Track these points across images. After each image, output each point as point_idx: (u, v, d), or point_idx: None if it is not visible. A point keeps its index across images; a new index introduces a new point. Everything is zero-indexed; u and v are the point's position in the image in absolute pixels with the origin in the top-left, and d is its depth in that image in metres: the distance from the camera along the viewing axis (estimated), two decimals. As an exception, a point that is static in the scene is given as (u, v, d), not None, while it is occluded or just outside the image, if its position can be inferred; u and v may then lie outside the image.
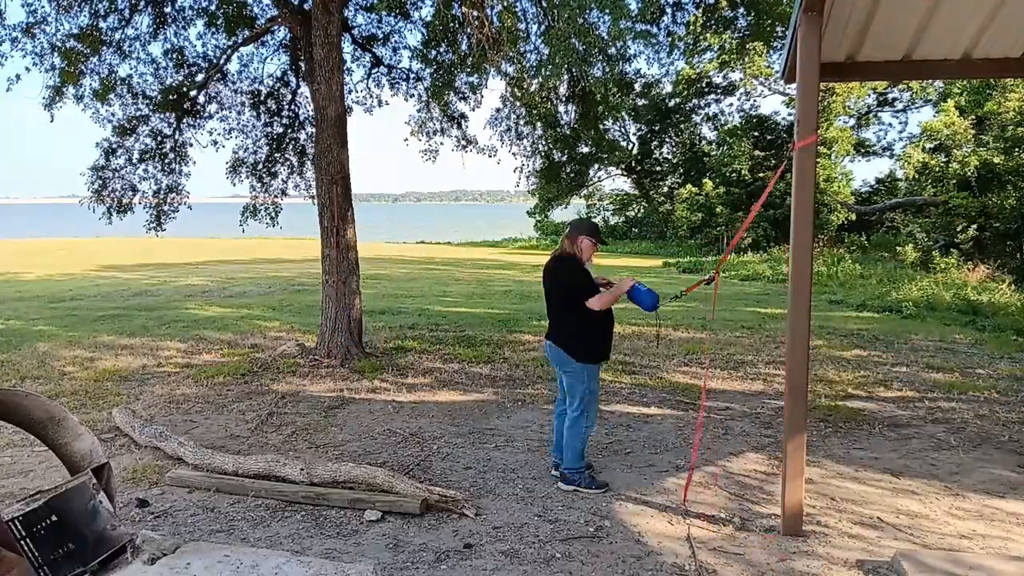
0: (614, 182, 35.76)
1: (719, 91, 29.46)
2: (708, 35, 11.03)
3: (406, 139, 9.97)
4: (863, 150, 26.80)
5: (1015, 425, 5.50)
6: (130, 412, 5.40)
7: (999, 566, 3.16)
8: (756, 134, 27.37)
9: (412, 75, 9.43)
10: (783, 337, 8.16)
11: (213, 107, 9.42)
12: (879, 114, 26.79)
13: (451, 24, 7.70)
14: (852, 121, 26.25)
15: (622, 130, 31.92)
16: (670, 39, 9.59)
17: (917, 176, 22.07)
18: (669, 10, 9.00)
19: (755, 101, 29.28)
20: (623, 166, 32.87)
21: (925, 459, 4.76)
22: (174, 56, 8.81)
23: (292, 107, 9.55)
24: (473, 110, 9.67)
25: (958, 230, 19.86)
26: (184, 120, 9.06)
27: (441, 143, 9.99)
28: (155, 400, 6.12)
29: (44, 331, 9.17)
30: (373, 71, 9.46)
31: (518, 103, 9.73)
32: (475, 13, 7.16)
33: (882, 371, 7.32)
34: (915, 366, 7.54)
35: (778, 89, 26.84)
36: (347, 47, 8.78)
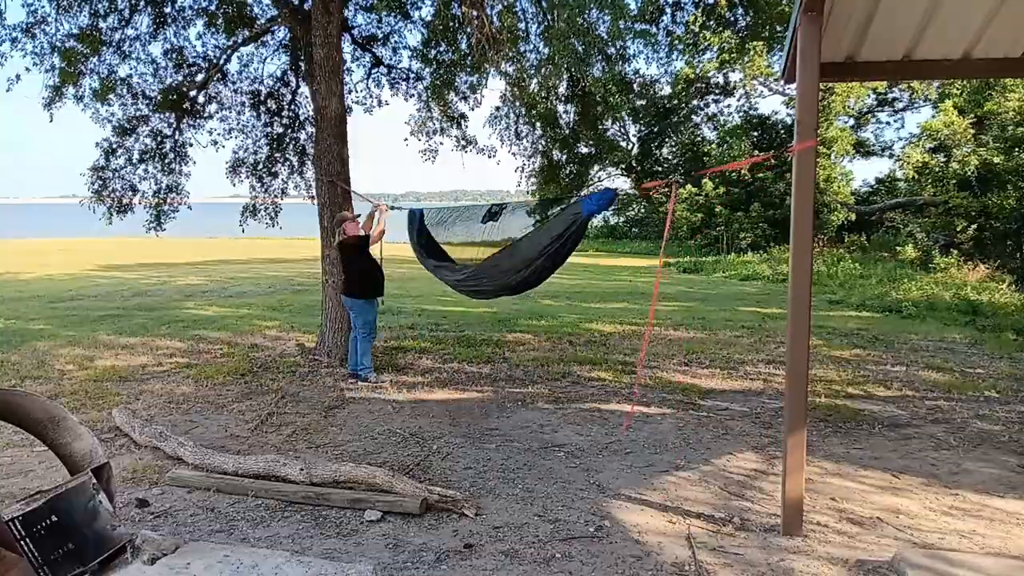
0: (614, 182, 35.75)
1: (719, 91, 29.43)
2: (708, 35, 11.03)
3: (406, 139, 9.99)
4: (863, 150, 26.78)
5: (1015, 425, 5.50)
6: (130, 412, 5.40)
7: (998, 566, 3.16)
8: (756, 134, 27.35)
9: (412, 75, 9.44)
10: (783, 337, 8.16)
11: (213, 107, 9.44)
12: (879, 114, 26.78)
13: (451, 24, 7.71)
14: (852, 121, 26.23)
15: (622, 130, 31.95)
16: (669, 39, 9.59)
17: (917, 176, 22.06)
18: (668, 10, 9.01)
19: (755, 101, 29.10)
20: (623, 166, 32.85)
21: (925, 459, 4.77)
22: (174, 56, 8.81)
23: (292, 107, 9.55)
24: (473, 110, 9.69)
25: (958, 230, 19.86)
26: (184, 120, 9.06)
27: (441, 143, 10.00)
28: (155, 400, 6.12)
29: (44, 331, 9.17)
30: (373, 71, 9.47)
31: (518, 103, 9.74)
32: (475, 13, 7.16)
33: (882, 371, 7.32)
34: (915, 366, 7.54)
35: (778, 89, 26.81)
36: (347, 47, 8.79)
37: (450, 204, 7.11)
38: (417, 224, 6.54)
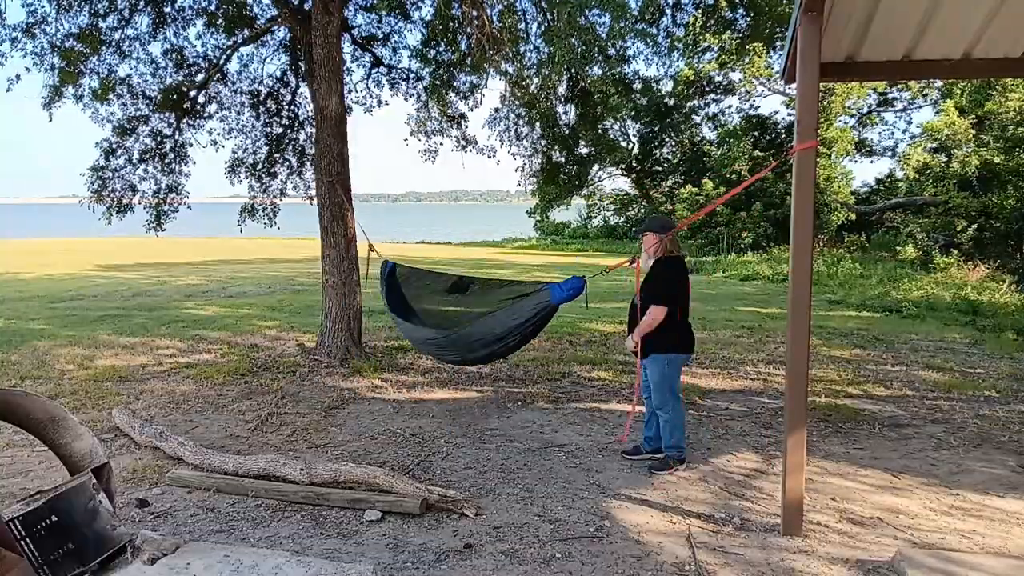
0: (614, 182, 35.76)
1: (719, 91, 29.41)
2: (708, 35, 11.03)
3: (406, 139, 9.99)
4: (863, 150, 26.78)
5: (1015, 425, 5.50)
6: (130, 412, 5.40)
7: (999, 566, 3.16)
8: (756, 134, 27.35)
9: (412, 75, 9.44)
10: (783, 337, 8.16)
11: (213, 107, 9.43)
12: (879, 114, 26.78)
13: (451, 24, 7.70)
14: (852, 121, 26.23)
15: (622, 130, 31.90)
16: (669, 39, 9.59)
17: (917, 176, 22.06)
18: (668, 10, 9.01)
19: (755, 101, 29.15)
20: (623, 166, 32.85)
21: (925, 459, 4.77)
22: (174, 56, 8.80)
23: (292, 107, 9.55)
24: (472, 110, 9.69)
25: (958, 230, 19.86)
26: (184, 120, 9.06)
27: (441, 143, 10.01)
28: (155, 400, 6.12)
29: (44, 331, 9.17)
30: (373, 71, 9.46)
31: (518, 103, 9.73)
32: (475, 12, 7.15)
33: (882, 371, 7.32)
34: (915, 366, 7.54)
35: (778, 89, 26.79)
36: (347, 47, 8.79)
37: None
38: (387, 276, 6.22)
